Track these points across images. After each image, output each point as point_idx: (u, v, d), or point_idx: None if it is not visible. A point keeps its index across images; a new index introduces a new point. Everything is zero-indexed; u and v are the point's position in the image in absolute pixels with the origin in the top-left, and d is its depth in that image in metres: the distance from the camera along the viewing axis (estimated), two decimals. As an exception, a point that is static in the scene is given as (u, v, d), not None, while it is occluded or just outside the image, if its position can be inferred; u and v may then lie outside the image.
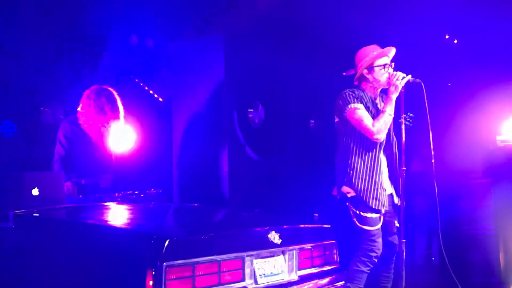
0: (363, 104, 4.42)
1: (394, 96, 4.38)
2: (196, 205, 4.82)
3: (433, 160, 4.31)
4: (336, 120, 4.56)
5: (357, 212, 4.40)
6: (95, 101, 5.03)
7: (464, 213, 6.28)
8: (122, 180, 5.31)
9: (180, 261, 2.96)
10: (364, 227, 4.38)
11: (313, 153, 7.14)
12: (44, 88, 5.80)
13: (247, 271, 3.32)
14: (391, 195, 4.58)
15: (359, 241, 4.43)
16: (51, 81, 5.80)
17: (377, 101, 4.56)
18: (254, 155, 6.52)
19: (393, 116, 4.42)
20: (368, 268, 4.40)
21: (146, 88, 6.73)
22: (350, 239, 4.51)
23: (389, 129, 4.50)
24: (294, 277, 3.64)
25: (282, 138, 7.03)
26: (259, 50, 6.47)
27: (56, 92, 5.86)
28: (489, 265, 5.84)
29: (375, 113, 4.44)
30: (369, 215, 4.38)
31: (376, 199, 4.36)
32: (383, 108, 4.42)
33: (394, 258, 4.51)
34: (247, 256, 3.33)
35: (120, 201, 4.69)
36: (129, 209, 4.32)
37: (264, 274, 3.42)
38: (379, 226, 4.40)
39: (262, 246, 3.43)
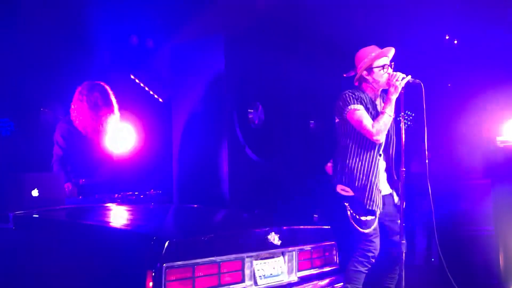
0: (363, 105, 4.43)
1: (393, 97, 4.39)
2: (195, 206, 4.82)
3: (427, 161, 4.32)
4: (337, 120, 4.58)
5: (354, 214, 4.42)
6: (87, 96, 5.03)
7: (464, 213, 6.28)
8: (121, 179, 5.31)
9: (180, 262, 2.96)
10: (360, 229, 4.39)
11: (313, 154, 7.14)
12: (43, 88, 5.80)
13: (247, 272, 3.32)
14: (391, 196, 4.58)
15: (356, 241, 4.44)
16: (51, 81, 5.80)
17: (378, 102, 4.56)
18: (254, 155, 6.52)
19: (393, 116, 4.42)
20: (365, 268, 4.41)
21: (146, 88, 6.73)
22: (349, 239, 4.52)
23: (388, 130, 4.50)
24: (293, 278, 3.64)
25: (282, 138, 7.02)
26: (259, 51, 6.47)
27: (56, 92, 5.85)
28: (489, 266, 5.84)
29: (375, 114, 4.45)
30: (363, 218, 4.40)
31: (370, 199, 4.39)
32: (382, 109, 4.42)
33: (397, 266, 4.46)
34: (247, 257, 3.33)
35: (120, 202, 4.69)
36: (129, 210, 4.32)
37: (264, 275, 3.42)
38: (374, 226, 4.41)
39: (262, 247, 3.43)
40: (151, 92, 6.80)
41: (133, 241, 3.11)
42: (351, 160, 4.44)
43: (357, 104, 4.41)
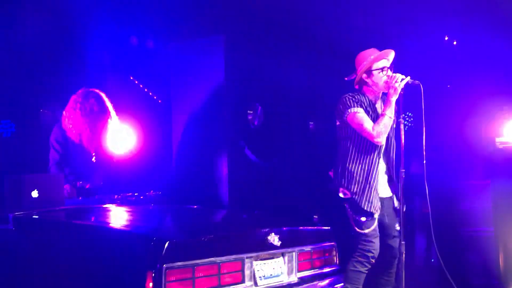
0: (363, 108, 4.44)
1: (393, 99, 4.39)
2: (195, 207, 4.82)
3: (424, 161, 4.33)
4: (337, 123, 4.61)
5: (353, 215, 4.44)
6: (82, 104, 5.04)
7: (464, 214, 6.29)
8: (120, 180, 5.31)
9: (180, 263, 2.97)
10: (359, 230, 4.41)
11: (313, 155, 7.14)
12: (43, 89, 5.80)
13: (247, 273, 3.32)
14: (391, 199, 4.59)
15: (356, 242, 4.45)
16: (51, 82, 5.80)
17: (378, 104, 4.57)
18: (253, 156, 6.52)
19: (393, 118, 4.43)
20: (365, 269, 4.41)
21: (146, 89, 6.73)
22: (348, 239, 4.53)
23: (388, 132, 4.51)
24: (293, 279, 3.64)
25: (281, 139, 7.03)
26: (258, 52, 6.47)
27: (56, 93, 5.85)
28: (488, 267, 5.83)
29: (375, 117, 4.46)
30: (363, 218, 4.42)
31: (369, 201, 4.41)
32: (383, 111, 4.43)
33: (395, 262, 4.50)
34: (247, 258, 3.33)
35: (120, 203, 4.70)
36: (129, 211, 4.32)
37: (264, 276, 3.42)
38: (373, 227, 4.42)
39: (262, 248, 3.44)
40: (150, 94, 6.80)
41: (133, 242, 3.11)
42: (351, 163, 4.46)
43: (357, 107, 4.42)
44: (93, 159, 5.07)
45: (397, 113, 4.51)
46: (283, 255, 3.59)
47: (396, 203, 4.57)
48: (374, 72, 4.47)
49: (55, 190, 4.04)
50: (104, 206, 4.48)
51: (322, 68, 6.76)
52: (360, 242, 4.43)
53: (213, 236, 3.28)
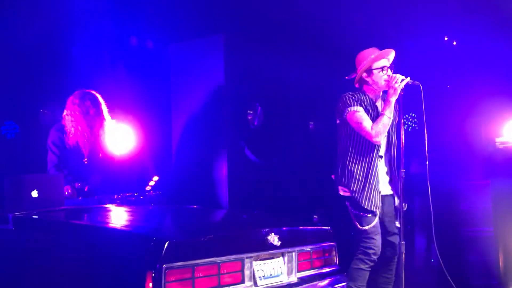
0: (363, 107, 4.46)
1: (393, 99, 4.41)
2: (195, 207, 4.82)
3: (427, 162, 4.34)
4: (337, 122, 4.63)
5: (354, 212, 4.46)
6: (79, 105, 5.02)
7: (464, 214, 6.29)
8: (120, 180, 5.31)
9: (179, 263, 2.96)
10: (361, 226, 4.43)
11: (313, 155, 7.15)
12: (43, 90, 5.80)
13: (247, 273, 3.32)
14: (391, 197, 4.60)
15: (358, 239, 4.46)
16: (51, 82, 5.80)
17: (378, 103, 4.58)
18: (253, 156, 6.52)
19: (392, 118, 4.44)
20: (367, 266, 4.42)
21: (146, 90, 6.73)
22: (349, 239, 4.53)
23: (389, 131, 4.52)
24: (293, 279, 3.63)
25: (281, 139, 7.03)
26: (258, 51, 6.48)
27: (56, 94, 5.85)
28: (488, 267, 5.84)
29: (376, 116, 4.47)
30: (363, 215, 4.43)
31: (369, 200, 4.43)
32: (382, 110, 4.45)
33: (395, 259, 4.52)
34: (247, 258, 3.33)
35: (120, 203, 4.69)
36: (129, 211, 4.31)
37: (264, 276, 3.42)
38: (374, 223, 4.44)
39: (262, 248, 3.43)
40: (150, 94, 6.79)
41: (132, 242, 3.11)
42: (351, 162, 4.49)
43: (357, 106, 4.44)
44: (85, 160, 5.06)
45: (398, 113, 4.53)
46: (283, 255, 3.59)
47: (397, 202, 4.58)
48: (375, 71, 4.49)
49: (55, 190, 4.03)
50: (104, 206, 4.48)
51: (322, 68, 6.77)
52: (361, 239, 4.44)
53: (213, 236, 3.27)
